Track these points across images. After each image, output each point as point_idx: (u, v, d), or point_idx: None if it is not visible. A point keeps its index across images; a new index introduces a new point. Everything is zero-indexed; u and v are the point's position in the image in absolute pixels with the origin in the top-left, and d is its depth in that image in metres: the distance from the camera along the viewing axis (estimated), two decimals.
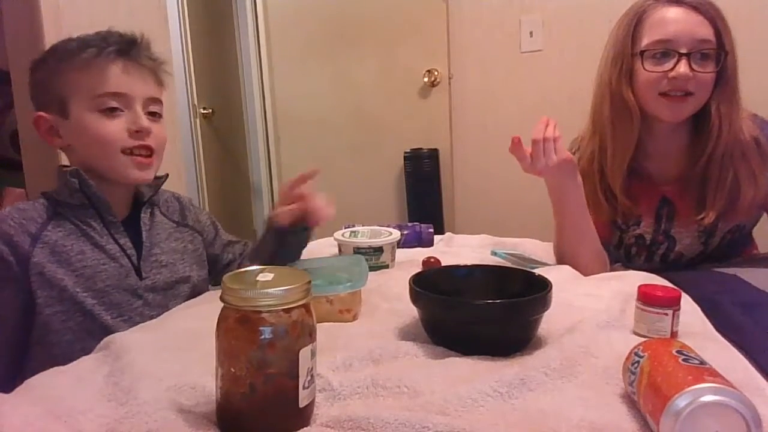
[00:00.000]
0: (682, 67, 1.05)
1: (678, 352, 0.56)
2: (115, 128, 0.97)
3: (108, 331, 0.88)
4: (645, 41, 1.09)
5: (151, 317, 0.94)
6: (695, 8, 1.07)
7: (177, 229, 1.11)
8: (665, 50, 1.07)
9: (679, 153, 1.16)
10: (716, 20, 1.07)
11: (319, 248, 1.40)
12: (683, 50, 1.05)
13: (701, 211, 1.13)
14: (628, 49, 1.12)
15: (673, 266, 1.20)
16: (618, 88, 1.13)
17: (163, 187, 1.12)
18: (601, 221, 1.17)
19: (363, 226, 1.34)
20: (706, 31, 1.06)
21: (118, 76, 0.97)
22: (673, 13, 1.08)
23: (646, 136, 1.16)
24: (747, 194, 1.11)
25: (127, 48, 0.99)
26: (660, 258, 1.22)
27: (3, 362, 0.93)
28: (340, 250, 1.23)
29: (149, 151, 1.00)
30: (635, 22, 1.12)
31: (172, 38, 2.30)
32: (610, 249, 1.22)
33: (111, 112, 0.96)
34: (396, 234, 1.22)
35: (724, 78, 1.08)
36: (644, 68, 1.09)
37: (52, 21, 1.31)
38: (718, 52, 1.07)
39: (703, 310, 0.86)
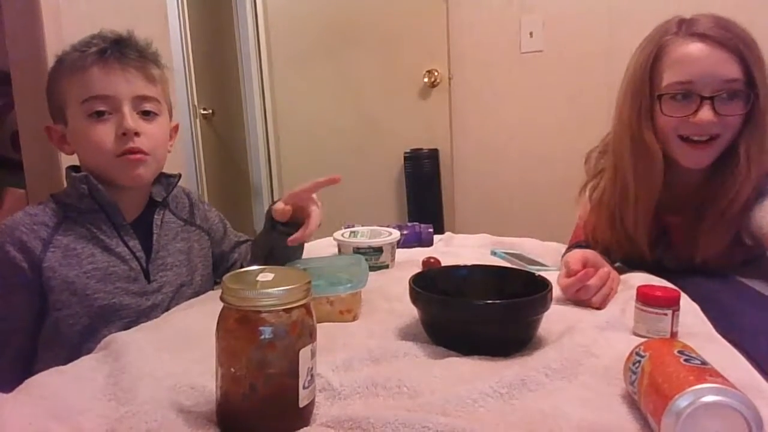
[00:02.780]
0: (705, 113, 0.94)
1: (679, 352, 0.56)
2: (104, 133, 0.95)
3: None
4: (664, 82, 0.98)
5: None
6: (721, 44, 0.95)
7: (184, 228, 1.10)
8: (686, 92, 0.96)
9: (692, 189, 1.06)
10: (745, 55, 0.95)
11: (318, 248, 1.40)
12: (706, 93, 0.95)
13: (694, 253, 1.05)
14: (647, 88, 1.01)
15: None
16: (639, 131, 1.02)
17: None
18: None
19: (362, 226, 1.34)
20: (732, 70, 0.94)
21: (99, 79, 0.95)
22: (696, 49, 0.96)
23: (666, 170, 1.04)
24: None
25: (109, 48, 0.96)
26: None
27: (15, 365, 0.93)
28: (339, 250, 1.23)
29: (140, 151, 0.97)
30: (653, 58, 1.00)
31: (172, 38, 2.30)
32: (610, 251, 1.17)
33: (99, 116, 0.95)
34: (396, 234, 1.22)
35: (755, 118, 0.96)
36: (663, 112, 0.99)
37: (52, 21, 1.31)
38: (747, 92, 0.95)
39: (703, 310, 0.86)
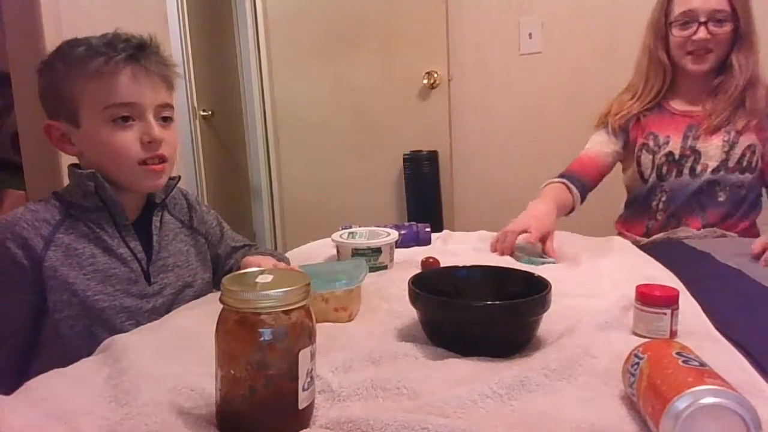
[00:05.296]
0: (701, 33, 1.39)
1: (678, 353, 0.56)
2: (128, 139, 0.94)
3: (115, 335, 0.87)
4: (674, 14, 1.43)
5: None
6: None
7: (182, 230, 1.10)
8: (688, 20, 1.40)
9: (704, 93, 1.48)
10: None
11: (316, 250, 1.40)
12: (702, 19, 1.38)
13: (719, 118, 1.43)
14: (663, 19, 1.46)
15: (700, 180, 1.45)
16: (655, 49, 1.48)
17: None
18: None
19: (360, 227, 1.34)
20: (720, 3, 1.38)
21: (127, 86, 0.94)
22: None
23: (681, 81, 1.50)
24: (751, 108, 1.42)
25: (136, 54, 0.95)
26: (689, 171, 1.47)
27: (13, 364, 0.92)
28: (338, 251, 1.23)
29: (162, 159, 0.98)
30: (667, 1, 1.46)
31: (172, 39, 2.30)
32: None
33: (123, 122, 0.94)
34: (394, 234, 1.22)
35: (741, 37, 1.40)
36: (673, 34, 1.44)
37: (52, 21, 1.31)
38: (732, 19, 1.38)
39: (704, 309, 0.86)
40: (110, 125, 0.94)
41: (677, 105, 1.51)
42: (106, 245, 0.97)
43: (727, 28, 1.39)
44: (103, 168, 0.97)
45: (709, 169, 1.44)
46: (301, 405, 0.56)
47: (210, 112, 2.81)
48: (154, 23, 1.63)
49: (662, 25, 1.46)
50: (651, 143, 1.49)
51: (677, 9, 1.43)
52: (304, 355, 0.56)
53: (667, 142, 1.47)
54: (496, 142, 2.67)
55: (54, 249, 0.92)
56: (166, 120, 1.00)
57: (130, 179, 0.97)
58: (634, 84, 1.55)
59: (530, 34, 2.55)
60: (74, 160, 1.02)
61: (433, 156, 2.72)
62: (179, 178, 1.09)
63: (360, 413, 0.58)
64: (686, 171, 1.47)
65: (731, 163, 1.43)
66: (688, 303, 0.87)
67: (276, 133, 3.09)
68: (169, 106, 1.00)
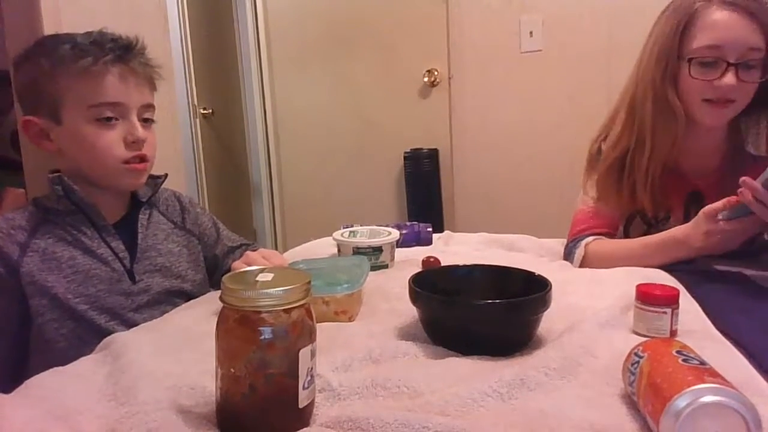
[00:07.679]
0: (729, 78, 1.03)
1: (678, 352, 0.56)
2: (112, 139, 0.95)
3: (101, 336, 0.84)
4: (694, 45, 1.05)
5: (144, 321, 0.93)
6: (751, 14, 1.02)
7: (174, 230, 1.10)
8: (715, 59, 1.04)
9: (715, 149, 1.17)
10: None
11: (317, 248, 1.40)
12: (732, 59, 1.03)
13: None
14: (675, 51, 1.08)
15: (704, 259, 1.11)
16: (663, 90, 1.09)
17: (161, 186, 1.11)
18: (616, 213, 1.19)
19: (362, 225, 1.33)
20: (757, 40, 1.03)
21: (114, 86, 0.95)
22: (727, 17, 1.04)
23: (685, 135, 1.12)
24: None
25: (123, 54, 0.96)
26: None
27: (4, 371, 0.92)
28: (339, 251, 1.23)
29: (144, 159, 0.99)
30: (685, 22, 1.07)
31: (172, 38, 2.30)
32: (619, 236, 1.21)
33: (107, 121, 0.95)
34: (395, 233, 1.22)
35: None
36: (691, 75, 1.06)
37: (52, 21, 1.31)
38: (764, 63, 1.04)
39: (704, 309, 0.86)
40: (94, 124, 0.94)
41: (684, 161, 1.16)
42: (85, 247, 0.96)
43: (757, 76, 1.05)
44: (83, 166, 0.97)
45: (713, 262, 1.08)
46: (302, 404, 0.56)
47: (210, 111, 2.82)
48: (154, 23, 1.63)
49: (674, 57, 1.08)
50: (648, 213, 1.16)
51: (700, 40, 1.05)
52: (304, 353, 0.56)
53: (668, 218, 1.15)
54: (497, 139, 2.67)
55: (31, 255, 0.92)
56: (147, 121, 1.01)
57: (111, 178, 0.98)
58: (640, 139, 1.13)
59: (531, 32, 2.55)
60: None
61: (433, 154, 2.72)
62: (165, 176, 1.10)
63: (360, 412, 0.58)
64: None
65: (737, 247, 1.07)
66: (688, 302, 0.87)
67: (276, 131, 3.09)
68: (152, 107, 1.02)
